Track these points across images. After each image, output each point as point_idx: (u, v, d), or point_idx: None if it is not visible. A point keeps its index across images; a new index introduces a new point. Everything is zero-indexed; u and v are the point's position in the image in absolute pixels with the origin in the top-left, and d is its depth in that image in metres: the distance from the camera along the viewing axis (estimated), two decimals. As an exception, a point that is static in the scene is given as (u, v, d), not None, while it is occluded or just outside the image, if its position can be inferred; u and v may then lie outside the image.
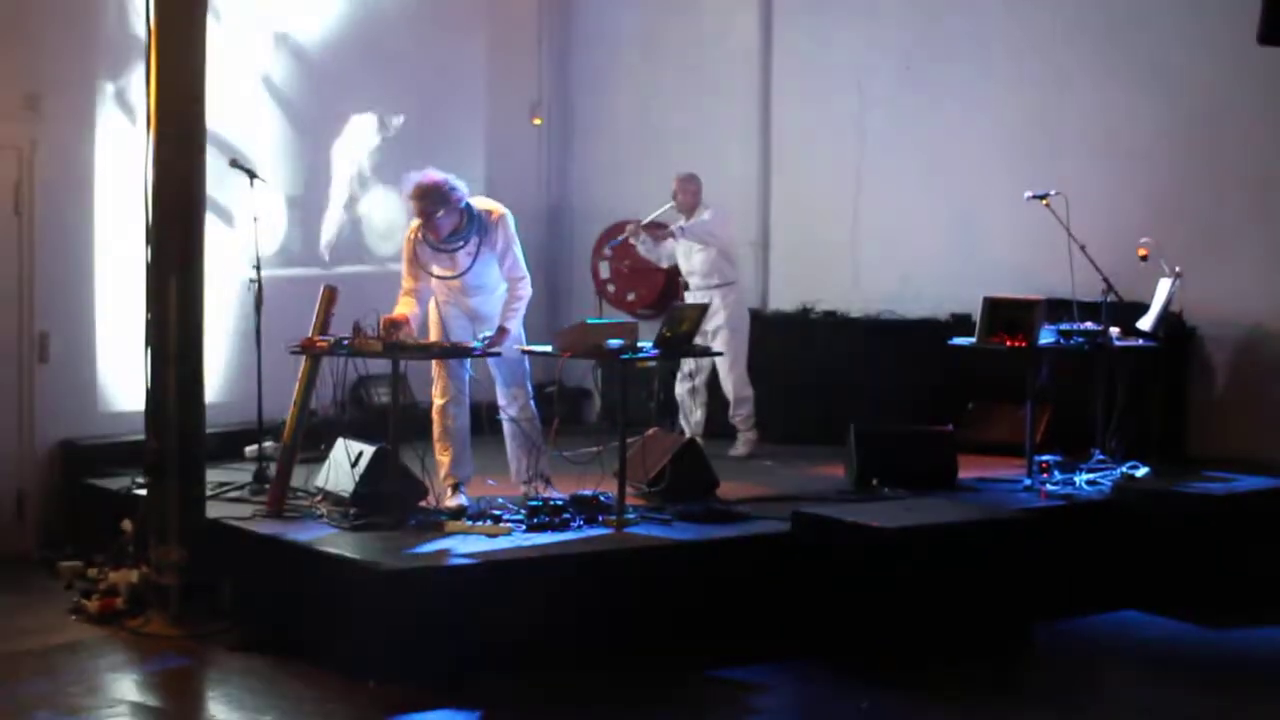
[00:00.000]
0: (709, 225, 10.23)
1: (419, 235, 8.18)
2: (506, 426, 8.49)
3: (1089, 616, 8.16)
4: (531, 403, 8.51)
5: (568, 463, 8.50)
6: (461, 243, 8.16)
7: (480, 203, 8.29)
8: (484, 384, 8.55)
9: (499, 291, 8.34)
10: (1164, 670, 7.39)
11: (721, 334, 10.26)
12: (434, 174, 8.10)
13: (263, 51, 10.60)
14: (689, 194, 10.41)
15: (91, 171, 9.53)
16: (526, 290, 8.32)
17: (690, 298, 10.37)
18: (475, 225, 8.16)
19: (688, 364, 10.42)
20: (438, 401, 8.34)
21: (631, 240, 10.59)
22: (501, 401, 8.48)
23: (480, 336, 8.20)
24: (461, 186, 8.13)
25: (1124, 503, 8.60)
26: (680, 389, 10.54)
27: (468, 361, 8.28)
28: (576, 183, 12.79)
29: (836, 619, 7.21)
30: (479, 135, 12.11)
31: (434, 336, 8.28)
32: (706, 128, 12.09)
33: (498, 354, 8.21)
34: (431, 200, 8.02)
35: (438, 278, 8.24)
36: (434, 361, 8.26)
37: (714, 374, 10.41)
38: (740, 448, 10.36)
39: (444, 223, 8.08)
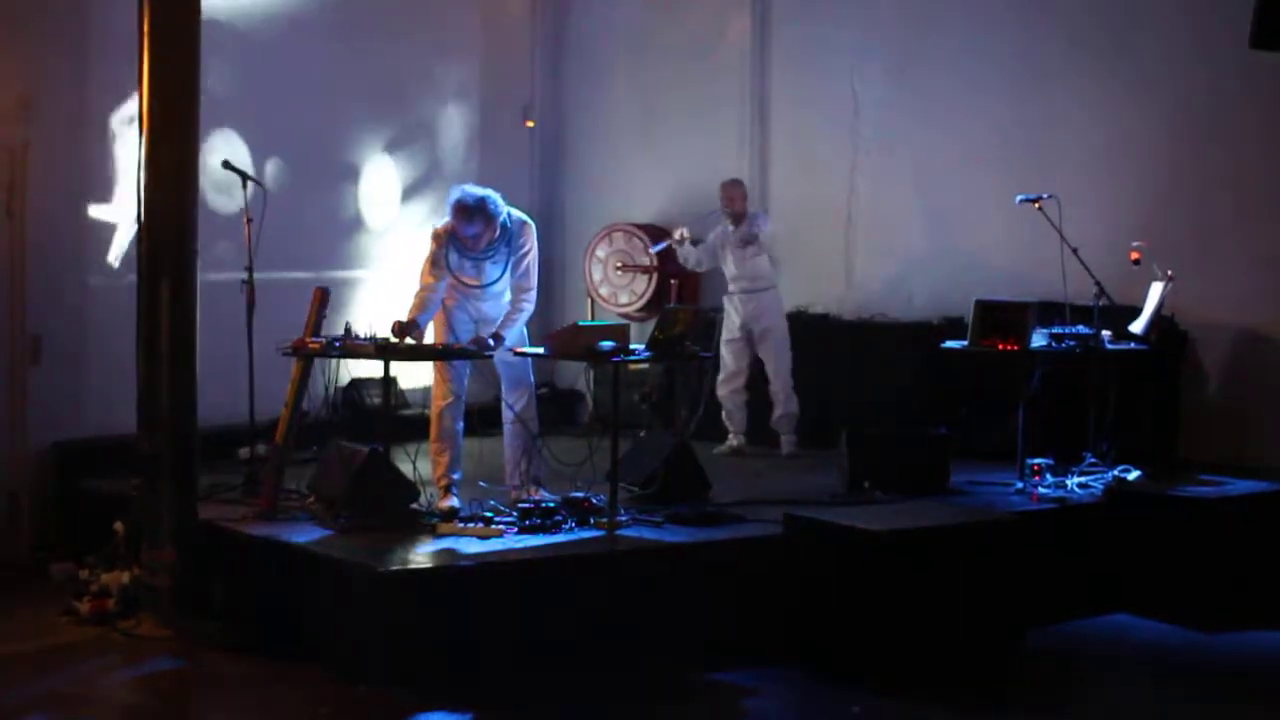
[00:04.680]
0: (767, 229, 10.55)
1: (449, 239, 8.21)
2: (508, 427, 8.51)
3: (1081, 620, 8.17)
4: (534, 404, 8.54)
5: (560, 465, 8.51)
6: (493, 252, 8.23)
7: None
8: (476, 386, 8.57)
9: (508, 296, 8.38)
10: (1156, 674, 7.40)
11: (771, 336, 10.55)
12: (477, 190, 8.20)
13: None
14: (739, 199, 10.62)
15: (84, 172, 9.52)
16: (531, 304, 8.41)
17: (739, 301, 10.58)
18: (505, 235, 8.23)
19: (729, 364, 10.58)
20: (438, 404, 8.36)
21: (676, 245, 10.70)
22: (508, 400, 8.50)
23: (475, 338, 8.21)
24: (500, 200, 8.23)
25: (1116, 506, 8.60)
26: (723, 390, 10.66)
27: (468, 362, 8.31)
28: (569, 185, 12.80)
29: (828, 622, 7.21)
30: (472, 137, 12.12)
31: (439, 338, 8.30)
32: (700, 130, 12.11)
33: (489, 356, 8.23)
34: (480, 219, 8.13)
35: (465, 284, 8.26)
36: (435, 364, 8.27)
37: (751, 377, 10.64)
38: (791, 448, 10.49)
39: (485, 237, 8.18)
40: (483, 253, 8.23)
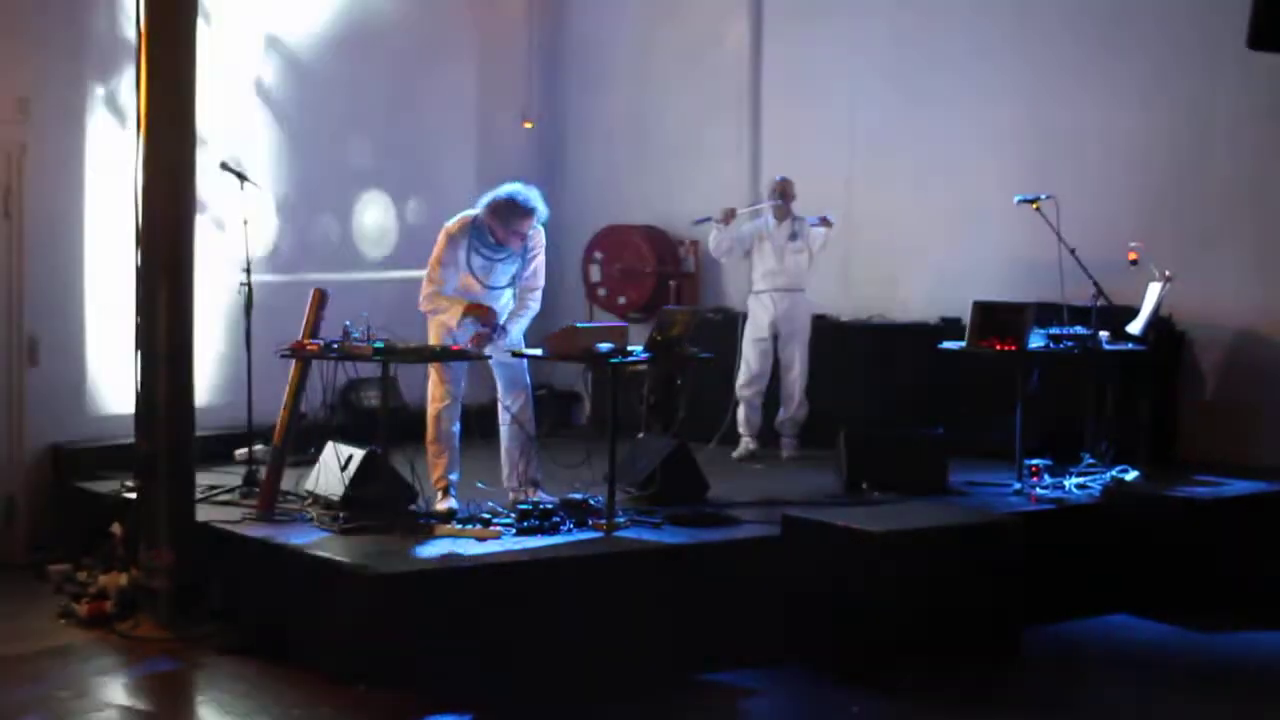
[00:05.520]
0: (831, 232, 10.46)
1: (465, 236, 8.23)
2: (505, 429, 8.51)
3: (1079, 620, 8.17)
4: (531, 405, 8.54)
5: (558, 467, 8.52)
6: (507, 254, 8.26)
7: None
8: (476, 388, 8.57)
9: (508, 297, 8.40)
10: (1153, 674, 7.40)
11: (798, 338, 10.47)
12: (524, 188, 8.27)
13: (253, 53, 10.59)
14: (792, 196, 10.50)
15: (81, 174, 9.52)
16: (538, 304, 8.46)
17: (769, 300, 10.46)
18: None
19: (753, 365, 10.51)
20: (435, 406, 8.36)
21: (718, 224, 10.45)
22: (504, 402, 8.51)
23: (475, 335, 8.21)
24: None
25: (1113, 506, 8.61)
26: (746, 391, 10.54)
27: (466, 364, 8.31)
28: (567, 187, 12.78)
29: (827, 622, 7.21)
30: (470, 138, 12.12)
31: (437, 338, 8.30)
32: (697, 133, 12.11)
33: (487, 357, 8.24)
34: (534, 220, 8.25)
35: (483, 285, 8.29)
36: (432, 365, 8.28)
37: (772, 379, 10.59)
38: (791, 450, 10.45)
39: (521, 238, 8.27)
40: (499, 250, 8.25)
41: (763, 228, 10.51)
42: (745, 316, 10.67)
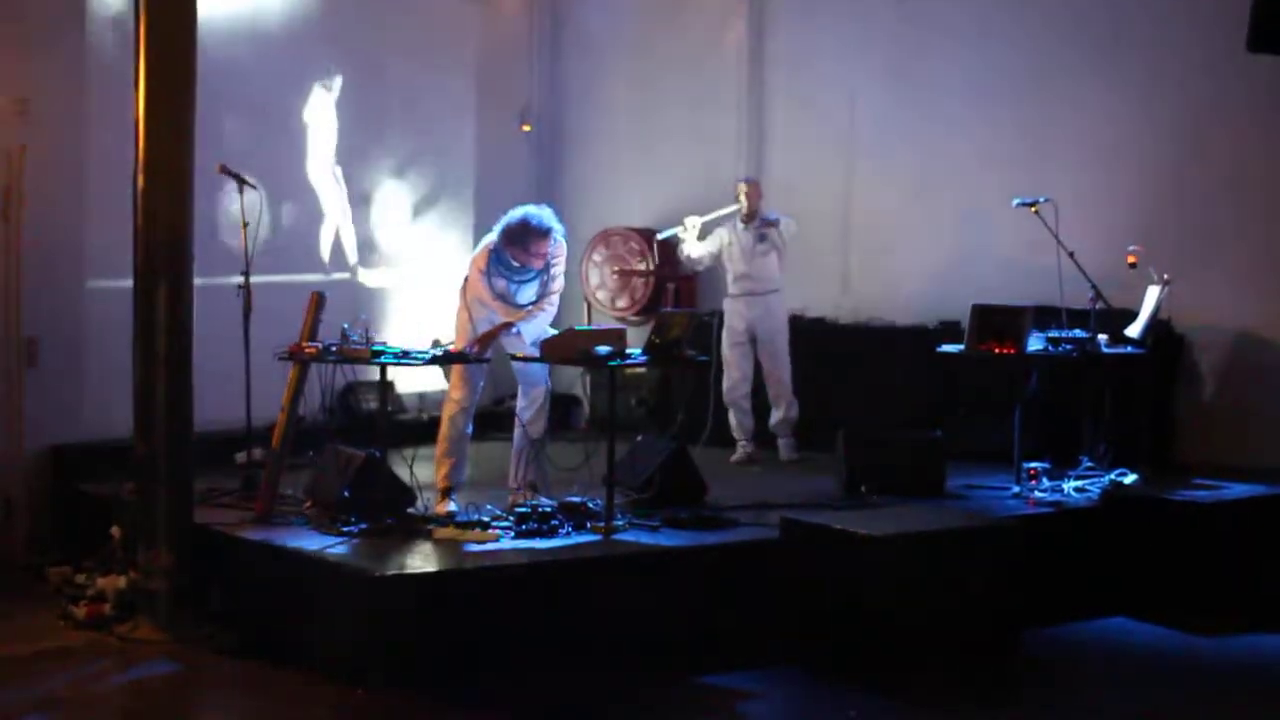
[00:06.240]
0: (793, 230, 10.43)
1: (490, 264, 8.28)
2: (518, 429, 8.54)
3: (1078, 623, 8.17)
4: (548, 404, 8.57)
5: (558, 469, 8.52)
6: (531, 274, 8.32)
7: None
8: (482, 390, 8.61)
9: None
10: (1153, 677, 7.40)
11: (776, 341, 10.47)
12: (546, 212, 8.33)
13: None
14: (758, 197, 10.48)
15: (81, 175, 9.52)
16: (554, 307, 8.47)
17: (744, 304, 10.46)
18: None
19: (735, 369, 10.50)
20: (453, 406, 8.40)
21: (682, 236, 10.52)
22: (520, 403, 8.55)
23: (478, 337, 8.24)
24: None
25: (1112, 510, 8.60)
26: (732, 396, 10.53)
27: (485, 370, 8.33)
28: (565, 189, 12.79)
29: (824, 626, 7.21)
30: (469, 141, 12.12)
31: (461, 344, 8.31)
32: (696, 134, 12.11)
33: (486, 360, 8.26)
34: (549, 239, 8.28)
35: (510, 305, 8.32)
36: (455, 368, 8.30)
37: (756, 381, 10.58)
38: (790, 452, 10.44)
39: (542, 257, 8.33)
40: (524, 273, 8.30)
41: (731, 232, 10.50)
42: (720, 319, 10.66)
